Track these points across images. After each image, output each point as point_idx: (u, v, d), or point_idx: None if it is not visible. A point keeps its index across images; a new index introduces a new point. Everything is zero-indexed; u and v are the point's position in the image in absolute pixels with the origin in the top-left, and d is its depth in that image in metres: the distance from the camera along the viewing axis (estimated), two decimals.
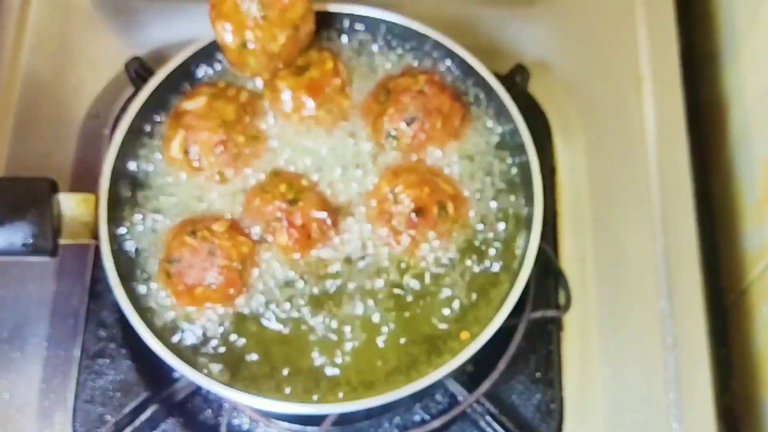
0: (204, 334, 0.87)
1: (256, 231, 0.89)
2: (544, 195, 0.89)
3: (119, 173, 0.90)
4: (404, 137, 0.93)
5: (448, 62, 0.97)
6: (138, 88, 0.95)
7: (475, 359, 0.84)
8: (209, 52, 0.96)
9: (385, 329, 0.87)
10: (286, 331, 0.87)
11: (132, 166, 0.93)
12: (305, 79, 0.93)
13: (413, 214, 0.88)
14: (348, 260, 0.89)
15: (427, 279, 0.89)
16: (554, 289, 1.01)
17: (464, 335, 0.86)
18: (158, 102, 0.94)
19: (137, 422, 0.92)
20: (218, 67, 0.97)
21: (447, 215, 0.89)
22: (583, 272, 1.02)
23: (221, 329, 0.87)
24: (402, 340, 0.87)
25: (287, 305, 0.88)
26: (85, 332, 0.98)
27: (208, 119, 0.91)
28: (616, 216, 1.05)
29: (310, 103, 0.93)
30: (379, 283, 0.89)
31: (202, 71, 0.97)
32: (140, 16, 1.14)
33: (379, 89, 0.95)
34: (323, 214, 0.89)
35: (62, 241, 0.86)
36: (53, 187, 0.86)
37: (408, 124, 0.92)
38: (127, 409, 0.93)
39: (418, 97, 0.92)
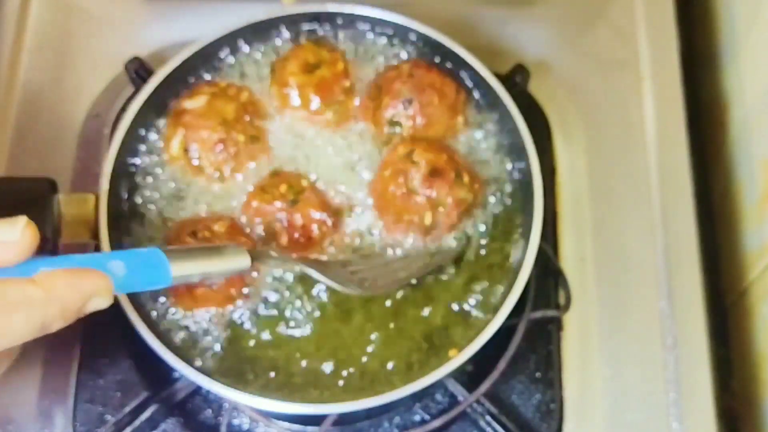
0: (205, 334, 0.87)
1: (256, 231, 0.89)
2: (544, 195, 0.89)
3: (119, 173, 0.90)
4: (406, 120, 0.92)
5: (448, 62, 0.97)
6: (138, 88, 0.94)
7: (475, 359, 0.84)
8: (209, 52, 0.96)
9: (385, 329, 0.87)
10: (286, 330, 0.87)
11: (132, 165, 0.93)
12: (315, 77, 0.94)
13: (429, 174, 0.87)
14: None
15: (427, 279, 0.89)
16: (554, 289, 1.01)
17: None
18: (158, 102, 0.94)
19: (137, 422, 0.92)
20: (218, 66, 0.97)
21: (462, 183, 0.89)
22: (583, 272, 1.02)
23: (222, 329, 0.87)
24: (403, 341, 0.87)
25: (288, 305, 0.88)
26: (85, 332, 0.97)
27: (208, 118, 0.91)
28: (616, 216, 1.05)
29: (316, 102, 0.93)
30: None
31: (203, 71, 0.97)
32: (140, 16, 1.15)
33: (371, 89, 0.95)
34: (323, 215, 0.89)
35: (62, 241, 0.86)
36: (53, 187, 0.86)
37: (405, 107, 0.92)
38: (127, 409, 0.93)
39: (408, 81, 0.93)
